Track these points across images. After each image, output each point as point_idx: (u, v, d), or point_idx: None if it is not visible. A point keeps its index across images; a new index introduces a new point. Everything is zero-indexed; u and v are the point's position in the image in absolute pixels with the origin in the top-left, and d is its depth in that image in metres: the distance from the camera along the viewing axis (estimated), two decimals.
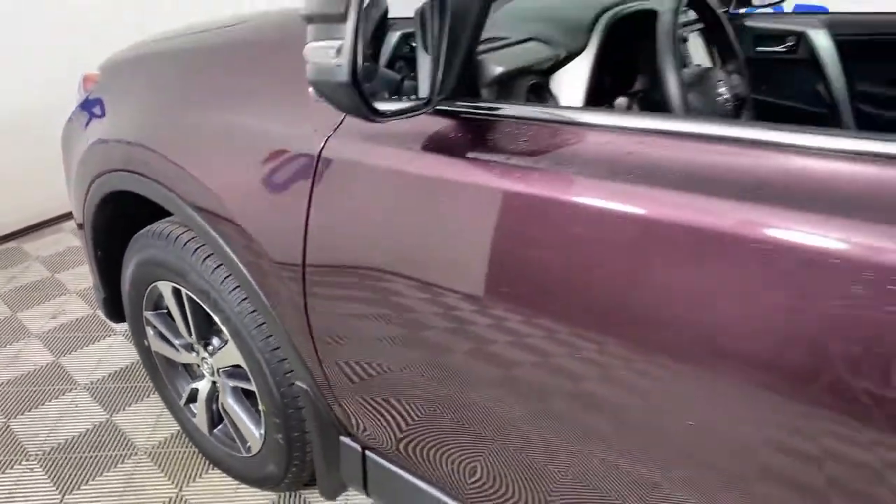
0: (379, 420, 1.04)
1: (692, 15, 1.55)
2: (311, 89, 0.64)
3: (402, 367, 0.92)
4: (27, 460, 1.57)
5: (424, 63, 0.72)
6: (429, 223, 0.81)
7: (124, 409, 1.76)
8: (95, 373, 1.91)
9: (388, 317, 0.88)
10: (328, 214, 0.91)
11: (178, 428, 1.63)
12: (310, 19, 0.57)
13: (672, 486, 0.69)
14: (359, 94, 0.58)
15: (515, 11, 1.06)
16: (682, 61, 1.21)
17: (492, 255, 0.74)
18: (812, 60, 1.80)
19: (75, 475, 1.53)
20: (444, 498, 1.02)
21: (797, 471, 0.58)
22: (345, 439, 1.14)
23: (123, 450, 1.61)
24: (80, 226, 1.59)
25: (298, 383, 1.12)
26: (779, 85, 1.91)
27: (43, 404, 1.78)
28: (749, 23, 1.93)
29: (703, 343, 0.61)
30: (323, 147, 0.89)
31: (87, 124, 1.41)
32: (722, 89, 1.09)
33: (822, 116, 1.84)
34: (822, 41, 1.78)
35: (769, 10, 2.04)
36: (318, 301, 0.98)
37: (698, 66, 1.21)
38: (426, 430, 0.97)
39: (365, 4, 0.55)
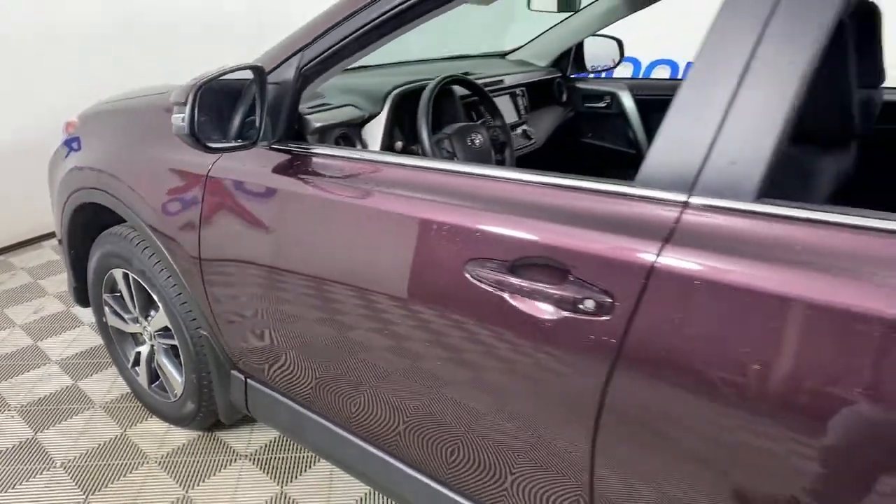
0: (253, 355, 1.54)
1: (511, 81, 2.15)
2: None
3: (264, 318, 1.43)
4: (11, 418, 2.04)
5: (257, 120, 1.26)
6: (271, 218, 1.33)
7: (90, 376, 2.23)
8: (67, 350, 2.39)
9: (253, 286, 1.39)
10: (212, 218, 1.43)
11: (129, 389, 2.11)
12: (174, 104, 1.11)
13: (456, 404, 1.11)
14: (195, 139, 1.12)
15: (340, 86, 1.62)
16: (458, 117, 1.77)
17: (307, 238, 1.26)
18: (622, 113, 2.39)
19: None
20: (305, 411, 1.51)
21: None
22: (234, 372, 1.64)
23: (82, 404, 2.08)
24: (60, 241, 2.10)
25: (202, 332, 1.62)
26: (602, 132, 2.50)
27: (23, 374, 2.25)
28: (579, 84, 2.53)
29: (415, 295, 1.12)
30: (210, 169, 1.42)
31: (67, 156, 1.94)
32: (476, 138, 1.64)
33: (633, 155, 2.42)
34: (627, 100, 2.37)
35: (599, 73, 2.65)
36: (210, 278, 1.49)
37: (464, 123, 1.75)
38: (286, 361, 1.46)
39: (197, 95, 1.09)
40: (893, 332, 0.66)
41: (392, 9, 1.13)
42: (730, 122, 0.80)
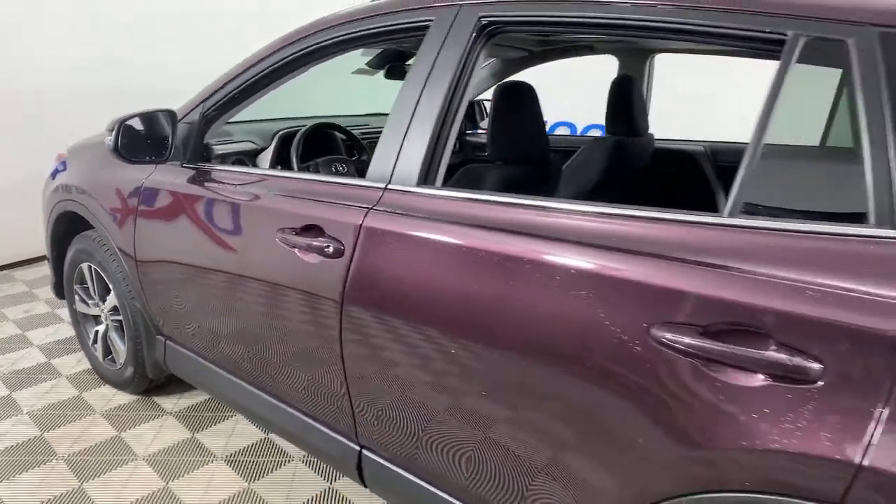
0: (169, 321, 2.08)
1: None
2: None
3: (176, 293, 1.97)
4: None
5: (169, 147, 1.85)
6: (180, 215, 1.90)
7: (62, 357, 2.76)
8: (47, 339, 2.94)
9: (168, 269, 1.95)
10: (142, 217, 2.01)
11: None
12: (107, 130, 1.72)
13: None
14: (117, 153, 1.72)
15: (247, 128, 2.24)
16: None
17: (202, 228, 1.82)
18: None
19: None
20: (205, 362, 2.02)
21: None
22: (158, 336, 2.18)
23: (52, 375, 2.61)
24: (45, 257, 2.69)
25: (137, 305, 2.17)
26: None
27: (9, 353, 2.79)
28: (471, 138, 3.14)
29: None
30: (148, 180, 2.00)
31: (55, 177, 2.55)
32: (341, 167, 2.24)
33: None
34: None
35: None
36: (142, 266, 2.05)
37: (333, 156, 2.37)
38: (191, 325, 2.00)
39: (121, 126, 1.70)
40: (517, 265, 1.15)
41: (258, 74, 1.74)
42: (405, 144, 1.37)
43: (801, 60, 0.97)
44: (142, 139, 1.80)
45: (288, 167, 2.19)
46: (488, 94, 3.04)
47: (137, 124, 1.77)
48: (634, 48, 2.43)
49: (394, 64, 2.50)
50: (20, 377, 2.61)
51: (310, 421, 1.66)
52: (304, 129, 2.17)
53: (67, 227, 2.54)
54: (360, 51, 2.11)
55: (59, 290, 2.70)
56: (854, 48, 0.92)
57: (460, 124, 1.38)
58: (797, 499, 0.87)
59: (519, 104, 1.61)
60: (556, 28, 1.34)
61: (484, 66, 2.80)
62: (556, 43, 2.33)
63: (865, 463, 0.81)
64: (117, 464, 2.08)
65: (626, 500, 1.06)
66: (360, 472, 1.57)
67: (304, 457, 2.09)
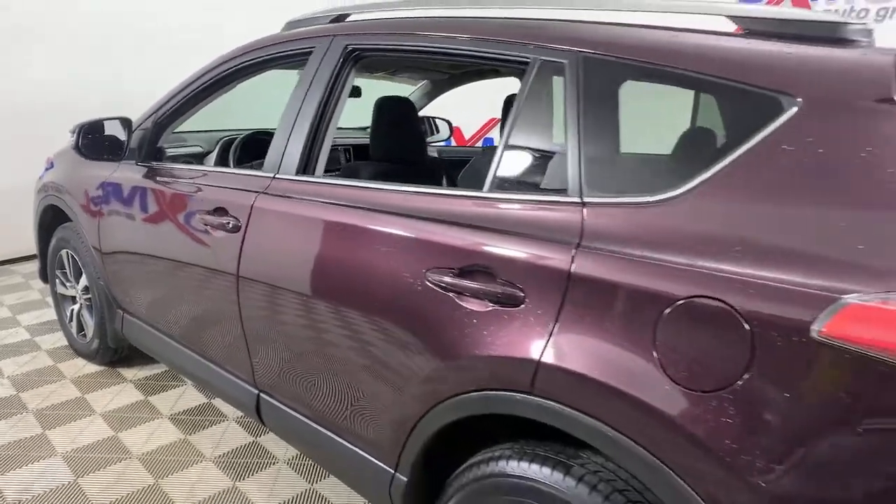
0: (124, 296, 2.45)
1: (339, 141, 3.11)
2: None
3: (130, 272, 2.35)
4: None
5: (125, 148, 2.24)
6: (136, 207, 2.28)
7: (44, 335, 3.14)
8: (34, 321, 3.33)
9: (124, 252, 2.33)
10: (104, 207, 2.39)
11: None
12: (70, 132, 2.11)
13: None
14: (78, 151, 2.11)
15: (198, 136, 2.62)
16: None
17: (150, 216, 2.20)
18: None
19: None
20: (153, 330, 2.38)
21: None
22: (117, 310, 2.54)
23: (34, 349, 2.98)
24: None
25: (101, 283, 2.54)
26: None
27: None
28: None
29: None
30: (109, 176, 2.39)
31: (43, 177, 2.96)
32: None
33: None
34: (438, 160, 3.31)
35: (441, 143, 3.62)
36: (104, 247, 2.43)
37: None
38: (141, 298, 2.36)
39: (81, 129, 2.09)
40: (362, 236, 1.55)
41: (196, 89, 2.13)
42: (290, 142, 1.73)
43: (538, 77, 1.32)
44: (101, 141, 2.19)
45: (226, 166, 2.58)
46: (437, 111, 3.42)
47: (97, 128, 2.17)
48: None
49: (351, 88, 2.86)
50: (6, 350, 2.99)
51: (222, 372, 2.01)
52: (242, 135, 2.55)
53: (51, 219, 2.93)
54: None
55: (45, 274, 3.09)
56: (568, 68, 1.27)
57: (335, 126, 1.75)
58: (510, 391, 1.20)
59: (393, 114, 1.97)
60: (398, 54, 1.70)
61: (418, 87, 3.19)
62: (460, 67, 2.70)
63: (543, 360, 1.14)
64: (77, 417, 2.44)
65: (427, 398, 1.36)
66: (259, 413, 1.90)
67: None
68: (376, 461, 1.53)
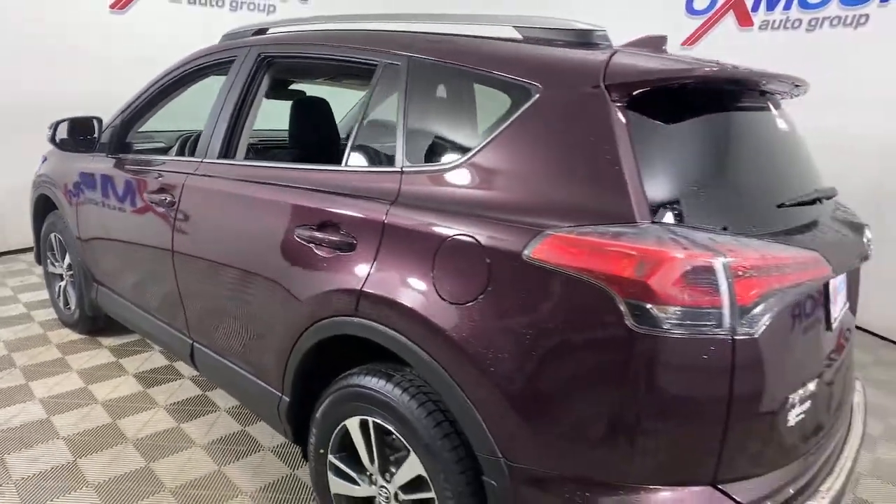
0: (99, 270, 2.85)
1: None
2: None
3: (101, 247, 2.75)
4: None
5: (97, 142, 2.65)
6: (105, 191, 2.68)
7: (39, 310, 3.57)
8: (33, 299, 3.76)
9: (96, 231, 2.73)
10: (79, 194, 2.80)
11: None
12: (48, 128, 2.53)
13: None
14: (53, 143, 2.52)
15: (168, 135, 3.02)
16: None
17: (117, 200, 2.59)
18: None
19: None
20: (118, 297, 2.78)
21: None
22: (93, 283, 2.94)
23: (28, 321, 3.41)
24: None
25: (80, 259, 2.95)
26: None
27: (1, 307, 3.61)
28: None
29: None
30: (84, 167, 2.80)
31: (38, 171, 3.39)
32: None
33: None
34: None
35: None
36: (81, 228, 2.84)
37: None
38: (110, 267, 2.76)
39: (56, 125, 2.49)
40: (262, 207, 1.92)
41: (153, 92, 2.53)
42: (214, 132, 2.11)
43: (382, 77, 1.68)
44: (75, 135, 2.61)
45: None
46: None
47: (71, 125, 2.58)
48: None
49: (286, 91, 3.19)
50: (4, 321, 3.42)
51: (166, 327, 2.39)
52: (197, 132, 2.95)
53: (44, 207, 3.36)
54: None
55: (39, 257, 3.52)
56: (401, 69, 1.63)
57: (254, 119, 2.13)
58: (344, 315, 1.55)
59: (310, 111, 2.34)
60: (295, 60, 2.08)
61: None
62: (339, 71, 3.03)
63: (363, 289, 1.49)
64: (56, 373, 2.84)
65: (296, 329, 1.70)
66: (193, 359, 2.27)
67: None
68: (268, 387, 1.88)
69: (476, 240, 1.31)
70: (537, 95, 1.36)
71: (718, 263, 1.11)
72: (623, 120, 1.25)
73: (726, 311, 1.11)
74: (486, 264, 1.29)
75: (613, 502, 1.18)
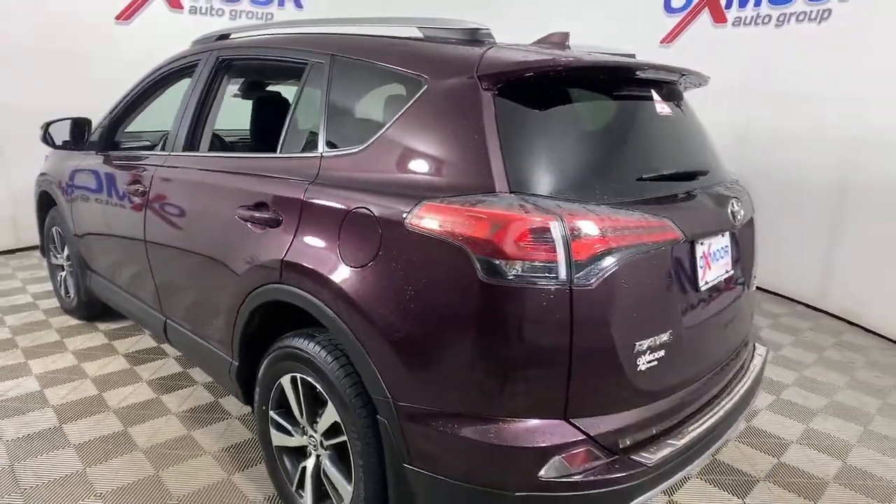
0: (91, 258, 3.12)
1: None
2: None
3: (93, 239, 3.02)
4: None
5: (87, 140, 2.92)
6: (95, 185, 2.95)
7: (45, 300, 3.87)
8: (39, 290, 4.07)
9: (89, 223, 3.00)
10: (74, 189, 3.08)
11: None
12: (41, 127, 2.81)
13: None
14: (45, 142, 2.79)
15: (151, 134, 3.29)
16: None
17: (104, 193, 2.86)
18: None
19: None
20: (107, 282, 3.04)
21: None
22: (87, 270, 3.22)
23: (32, 308, 3.71)
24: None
25: (76, 249, 3.23)
26: None
27: (10, 292, 3.91)
28: None
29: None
30: (77, 164, 3.07)
31: (41, 170, 3.69)
32: None
33: None
34: None
35: None
36: (75, 221, 3.12)
37: None
38: (99, 255, 3.03)
39: (48, 126, 2.77)
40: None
41: (135, 95, 2.79)
42: (180, 127, 2.36)
43: (311, 73, 1.90)
44: (66, 134, 2.88)
45: None
46: None
47: (63, 125, 2.86)
48: None
49: (251, 90, 3.39)
50: (11, 308, 3.72)
51: (144, 306, 2.64)
52: None
53: (46, 203, 3.65)
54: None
55: (43, 250, 3.82)
56: (325, 67, 1.84)
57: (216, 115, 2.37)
58: (272, 283, 1.76)
59: (261, 107, 2.57)
60: (246, 62, 2.31)
61: None
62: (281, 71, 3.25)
63: (285, 259, 1.70)
64: (53, 353, 3.11)
65: (239, 298, 1.92)
66: (166, 333, 2.51)
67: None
68: (222, 353, 2.11)
69: (371, 211, 1.51)
70: (426, 86, 1.56)
71: (555, 225, 1.30)
72: (492, 105, 1.45)
73: (562, 265, 1.30)
74: (378, 232, 1.49)
75: (478, 432, 1.37)
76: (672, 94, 1.87)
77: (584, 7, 5.65)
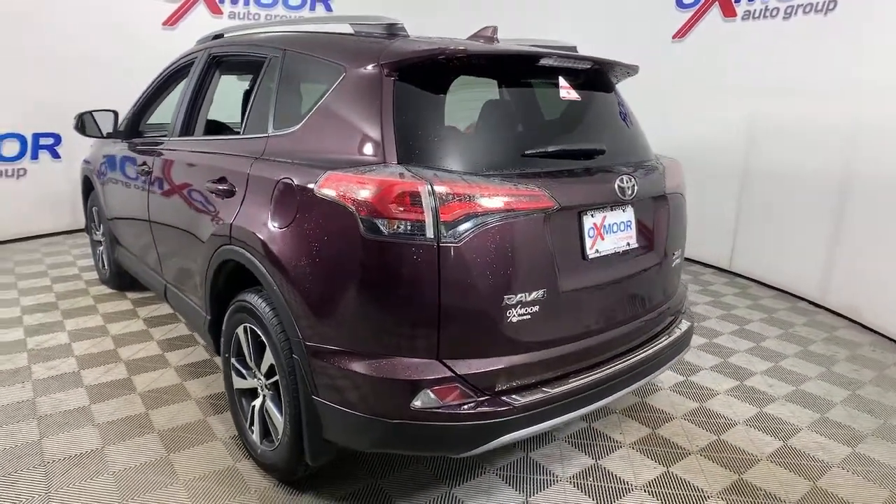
0: (119, 234, 3.56)
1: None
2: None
3: (121, 216, 3.45)
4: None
5: (114, 129, 3.35)
6: (121, 169, 3.38)
7: (90, 265, 4.39)
8: (88, 263, 4.60)
9: (116, 202, 3.44)
10: (104, 171, 3.53)
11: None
12: (74, 118, 3.26)
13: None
14: (77, 130, 3.23)
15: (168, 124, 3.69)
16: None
17: (128, 176, 3.28)
18: None
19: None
20: (129, 254, 3.47)
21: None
22: (116, 245, 3.66)
23: (75, 279, 4.22)
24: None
25: (108, 228, 3.68)
26: None
27: (34, 261, 4.46)
28: None
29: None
30: (108, 151, 3.52)
31: (84, 159, 4.19)
32: None
33: None
34: None
35: None
36: (106, 200, 3.57)
37: None
38: (125, 230, 3.45)
39: (81, 116, 3.21)
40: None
41: (155, 88, 3.19)
42: (178, 115, 2.71)
43: (268, 67, 2.18)
44: (96, 124, 3.32)
45: None
46: None
47: (93, 116, 3.30)
48: None
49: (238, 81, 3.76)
50: (61, 278, 4.26)
51: (151, 272, 3.02)
52: None
53: (88, 187, 4.15)
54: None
55: (88, 228, 4.34)
56: (279, 60, 2.13)
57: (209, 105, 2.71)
58: (226, 245, 2.06)
59: (244, 96, 2.88)
60: (230, 58, 2.63)
61: None
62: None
63: (234, 223, 2.00)
64: (86, 314, 3.58)
65: (207, 254, 2.22)
66: (166, 296, 2.88)
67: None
68: (199, 309, 2.44)
69: (292, 180, 1.78)
70: (344, 74, 1.82)
71: (424, 189, 1.52)
72: (391, 89, 1.68)
73: (430, 225, 1.51)
74: (297, 199, 1.75)
75: (364, 367, 1.61)
76: (590, 81, 2.04)
77: (597, 5, 5.71)
